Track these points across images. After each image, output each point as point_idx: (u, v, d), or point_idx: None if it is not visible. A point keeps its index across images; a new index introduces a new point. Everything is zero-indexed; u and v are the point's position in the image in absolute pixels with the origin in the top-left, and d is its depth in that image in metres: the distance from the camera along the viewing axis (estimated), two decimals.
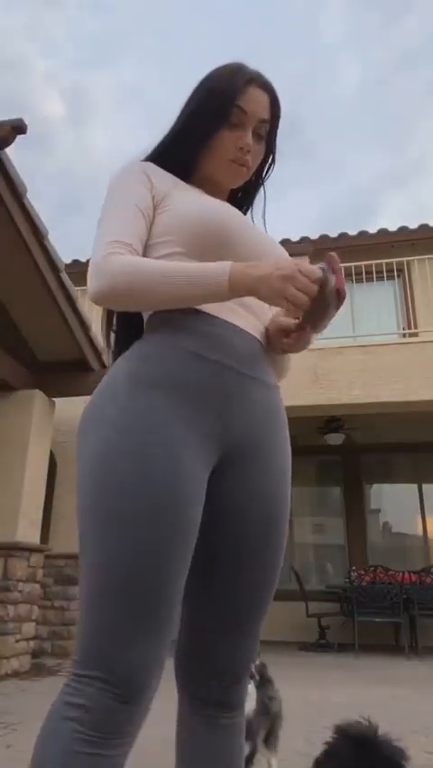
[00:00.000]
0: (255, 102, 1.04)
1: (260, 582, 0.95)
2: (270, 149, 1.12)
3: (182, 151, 1.07)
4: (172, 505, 0.81)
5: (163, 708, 1.20)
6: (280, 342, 1.00)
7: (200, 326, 0.93)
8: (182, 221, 0.96)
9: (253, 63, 1.07)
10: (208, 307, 0.94)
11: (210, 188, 1.09)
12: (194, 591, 0.96)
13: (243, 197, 1.20)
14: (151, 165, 1.04)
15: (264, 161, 1.14)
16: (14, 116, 3.41)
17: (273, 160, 1.15)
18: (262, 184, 1.18)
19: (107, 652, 0.77)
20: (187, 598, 0.97)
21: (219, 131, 1.03)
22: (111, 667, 0.76)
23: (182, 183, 1.05)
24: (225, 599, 0.94)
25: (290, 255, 1.05)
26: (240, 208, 1.19)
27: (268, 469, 0.96)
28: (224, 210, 1.02)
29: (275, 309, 1.05)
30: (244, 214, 1.20)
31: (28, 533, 4.64)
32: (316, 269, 0.84)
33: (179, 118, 1.07)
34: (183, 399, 0.87)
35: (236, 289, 0.86)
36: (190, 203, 0.99)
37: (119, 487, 0.81)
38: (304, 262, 0.86)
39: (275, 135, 1.11)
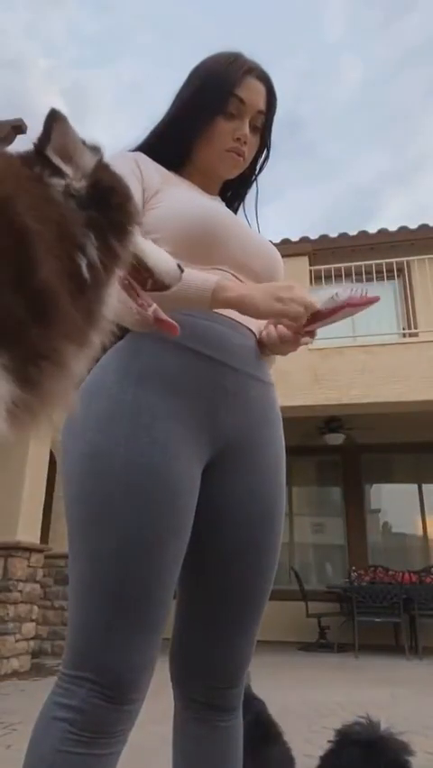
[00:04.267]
0: (253, 92, 1.02)
1: (254, 581, 0.93)
2: (264, 142, 1.10)
3: (177, 139, 1.04)
4: (162, 499, 0.80)
5: (161, 707, 1.20)
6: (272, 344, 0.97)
7: (196, 321, 0.90)
8: (171, 218, 0.93)
9: (254, 60, 1.05)
10: None
11: (204, 178, 1.07)
12: (187, 591, 0.95)
13: (234, 193, 1.17)
14: (141, 156, 1.00)
15: (258, 155, 1.12)
16: (15, 116, 3.41)
17: (268, 154, 1.13)
18: (256, 179, 1.15)
19: (97, 652, 0.76)
20: (180, 598, 0.96)
21: (216, 120, 1.01)
22: (100, 668, 0.75)
23: (173, 177, 1.02)
24: (218, 599, 0.93)
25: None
26: (231, 204, 1.16)
27: (262, 466, 0.95)
28: (214, 208, 1.00)
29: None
30: (236, 209, 1.17)
31: (28, 533, 4.64)
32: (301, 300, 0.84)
33: (175, 106, 1.05)
34: (175, 395, 0.85)
35: (218, 298, 0.84)
36: (181, 200, 0.97)
37: (107, 482, 0.80)
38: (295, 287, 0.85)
39: (270, 128, 1.09)
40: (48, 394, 0.44)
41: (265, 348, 0.98)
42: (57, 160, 0.50)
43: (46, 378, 0.43)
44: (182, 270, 0.71)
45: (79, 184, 0.51)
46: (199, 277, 0.84)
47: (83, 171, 0.52)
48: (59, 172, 0.50)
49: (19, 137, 3.57)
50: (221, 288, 0.83)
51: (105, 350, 0.96)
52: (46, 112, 0.51)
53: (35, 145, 0.51)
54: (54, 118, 0.51)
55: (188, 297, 0.83)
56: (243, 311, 0.85)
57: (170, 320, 0.65)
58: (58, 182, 0.50)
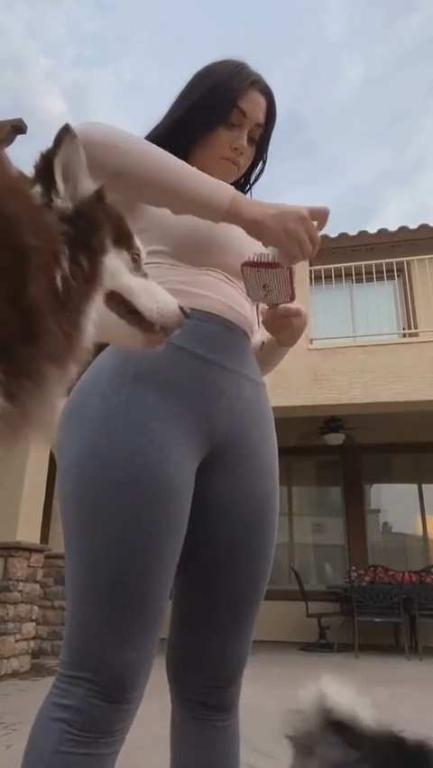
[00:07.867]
0: (255, 105, 1.03)
1: (249, 580, 0.94)
2: (260, 154, 1.11)
3: (177, 143, 1.03)
4: (159, 499, 0.80)
5: (158, 706, 1.20)
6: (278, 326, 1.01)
7: (190, 321, 0.91)
8: (171, 218, 0.92)
9: (255, 61, 1.06)
10: (200, 302, 0.93)
11: None
12: (183, 590, 0.95)
13: None
14: None
15: (253, 166, 1.13)
16: (15, 116, 3.41)
17: (263, 167, 1.14)
18: (250, 189, 1.17)
19: (94, 652, 0.76)
20: (176, 598, 0.97)
21: (217, 128, 1.02)
22: (98, 668, 0.75)
23: None
24: (213, 599, 0.93)
25: None
26: None
27: (256, 465, 0.95)
28: None
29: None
30: None
31: (28, 533, 4.64)
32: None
33: (177, 109, 1.05)
34: (169, 394, 0.86)
35: (232, 212, 0.82)
36: None
37: (104, 482, 0.80)
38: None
39: (268, 141, 1.10)
40: (27, 411, 0.46)
41: (278, 337, 1.02)
42: (58, 176, 0.51)
43: (26, 396, 0.45)
44: (186, 315, 0.71)
45: (65, 204, 0.51)
46: (215, 181, 0.84)
47: (76, 196, 0.52)
48: (54, 188, 0.51)
49: (19, 137, 3.57)
50: (239, 197, 0.83)
51: (100, 350, 0.96)
52: (57, 125, 0.52)
53: (43, 156, 0.51)
54: (66, 132, 0.51)
55: (202, 196, 0.82)
56: (250, 231, 0.84)
57: None
58: (55, 200, 0.50)
